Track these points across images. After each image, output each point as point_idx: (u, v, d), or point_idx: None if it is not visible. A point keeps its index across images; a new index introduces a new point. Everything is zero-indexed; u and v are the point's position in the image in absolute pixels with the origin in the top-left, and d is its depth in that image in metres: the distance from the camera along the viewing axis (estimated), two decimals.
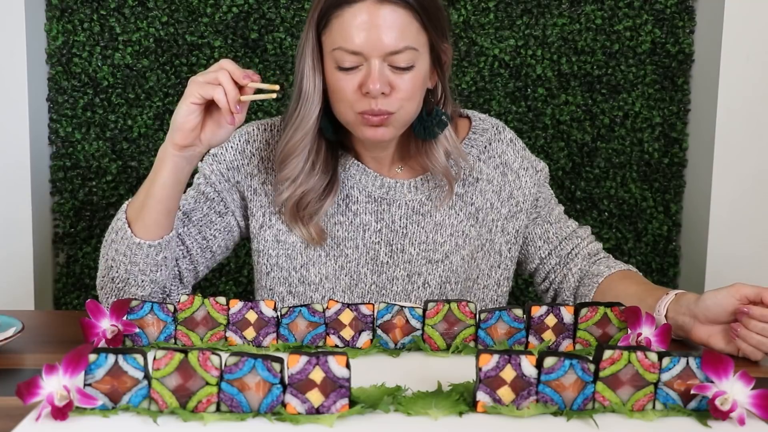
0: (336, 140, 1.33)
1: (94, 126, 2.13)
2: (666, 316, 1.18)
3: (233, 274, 2.18)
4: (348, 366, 0.85)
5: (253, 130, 1.37)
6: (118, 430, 0.83)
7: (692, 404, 0.89)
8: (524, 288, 2.20)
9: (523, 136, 2.13)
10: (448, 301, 1.10)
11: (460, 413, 0.87)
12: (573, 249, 1.42)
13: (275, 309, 1.10)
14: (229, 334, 1.10)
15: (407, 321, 1.10)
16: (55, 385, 0.84)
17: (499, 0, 2.12)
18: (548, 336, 1.10)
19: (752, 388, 0.87)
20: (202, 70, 1.19)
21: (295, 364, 0.85)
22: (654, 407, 0.89)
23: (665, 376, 0.88)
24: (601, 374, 0.88)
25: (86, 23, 2.09)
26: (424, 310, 1.10)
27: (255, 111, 2.10)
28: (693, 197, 2.15)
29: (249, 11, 2.11)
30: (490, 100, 2.14)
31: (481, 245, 1.39)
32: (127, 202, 1.25)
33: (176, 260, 1.31)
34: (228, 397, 0.85)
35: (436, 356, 1.09)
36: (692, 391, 0.88)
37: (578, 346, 1.11)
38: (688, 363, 0.88)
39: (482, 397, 0.87)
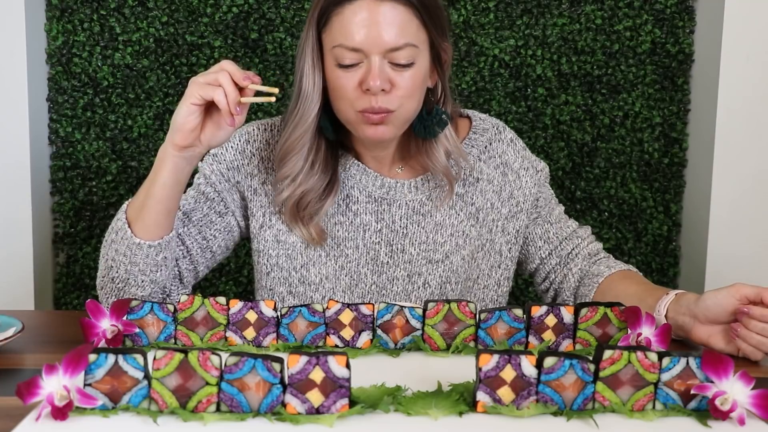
0: (336, 140, 1.33)
1: (94, 126, 2.13)
2: (666, 316, 1.18)
3: (233, 274, 2.18)
4: (348, 366, 0.85)
5: (254, 130, 1.37)
6: (118, 430, 0.83)
7: (692, 404, 0.89)
8: (524, 288, 2.20)
9: (523, 136, 2.13)
10: (448, 301, 1.10)
11: (460, 413, 0.87)
12: (573, 249, 1.42)
13: (275, 309, 1.10)
14: (229, 334, 1.10)
15: (407, 321, 1.10)
16: (55, 385, 0.84)
17: (499, 0, 2.12)
18: (548, 336, 1.10)
19: (752, 388, 0.87)
20: (202, 70, 1.19)
21: (295, 364, 0.85)
22: (654, 407, 0.89)
23: (665, 376, 0.88)
24: (601, 374, 0.88)
25: (86, 23, 2.09)
26: (424, 310, 1.10)
27: (255, 111, 2.10)
28: (693, 197, 2.15)
29: (249, 11, 2.11)
30: (490, 100, 2.14)
31: (481, 245, 1.39)
32: (127, 203, 1.26)
33: (176, 260, 1.31)
34: (228, 397, 0.85)
35: (436, 356, 1.09)
36: (692, 391, 0.88)
37: (578, 346, 1.10)
38: (688, 363, 0.88)
39: (482, 397, 0.87)
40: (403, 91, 1.22)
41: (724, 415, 0.86)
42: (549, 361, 0.87)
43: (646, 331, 1.07)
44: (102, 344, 1.06)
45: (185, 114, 1.17)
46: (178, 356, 0.85)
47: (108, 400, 0.86)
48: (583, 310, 1.10)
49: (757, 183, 2.04)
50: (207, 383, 0.85)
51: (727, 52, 2.00)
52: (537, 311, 1.09)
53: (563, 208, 1.47)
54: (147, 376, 0.86)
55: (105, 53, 2.10)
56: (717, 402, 0.86)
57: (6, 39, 2.00)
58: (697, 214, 2.12)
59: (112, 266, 1.24)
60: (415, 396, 0.90)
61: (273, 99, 1.16)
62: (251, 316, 1.10)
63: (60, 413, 0.83)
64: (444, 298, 1.36)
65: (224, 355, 0.92)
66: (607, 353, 0.88)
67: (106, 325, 1.07)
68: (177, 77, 2.12)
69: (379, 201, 1.35)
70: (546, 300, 1.46)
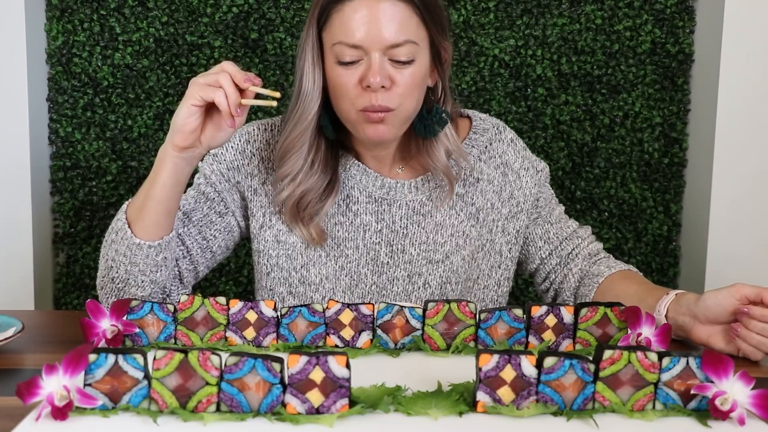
0: (336, 140, 1.33)
1: (94, 126, 2.13)
2: (666, 316, 1.18)
3: (233, 274, 2.18)
4: (348, 366, 0.85)
5: (254, 130, 1.37)
6: (118, 430, 0.83)
7: (692, 404, 0.89)
8: (524, 288, 2.20)
9: (523, 136, 2.13)
10: (448, 301, 1.10)
11: (460, 413, 0.87)
12: (573, 249, 1.42)
13: (275, 309, 1.10)
14: (229, 334, 1.10)
15: (407, 321, 1.10)
16: (55, 385, 0.84)
17: (499, 0, 2.12)
18: (548, 336, 1.10)
19: (752, 388, 0.87)
20: (203, 71, 1.20)
21: (295, 364, 0.85)
22: (654, 407, 0.89)
23: (665, 376, 0.88)
24: (601, 374, 0.88)
25: (86, 23, 2.09)
26: (424, 310, 1.10)
27: (255, 111, 2.10)
28: (693, 197, 2.15)
29: (249, 11, 2.11)
30: (490, 100, 2.14)
31: (481, 245, 1.39)
32: (127, 203, 1.26)
33: (176, 260, 1.31)
34: (228, 397, 0.85)
35: (436, 356, 1.09)
36: (692, 391, 0.88)
37: (578, 346, 1.10)
38: (688, 363, 0.88)
39: (482, 397, 0.87)
40: (403, 89, 1.22)
41: (724, 415, 0.86)
42: (549, 361, 0.87)
43: (646, 331, 1.07)
44: (102, 344, 1.06)
45: (185, 115, 1.17)
46: (178, 356, 0.85)
47: (108, 400, 0.86)
48: (583, 310, 1.10)
49: (757, 183, 2.04)
50: (207, 383, 0.85)
51: (727, 52, 2.00)
52: (537, 311, 1.09)
53: (563, 208, 1.47)
54: (147, 376, 0.86)
55: (105, 53, 2.10)
56: (717, 402, 0.86)
57: (6, 39, 2.00)
58: (697, 214, 2.12)
59: (112, 266, 1.24)
60: (415, 396, 0.90)
61: (274, 103, 1.16)
62: (251, 316, 1.10)
63: (60, 413, 0.83)
64: (444, 298, 1.36)
65: (224, 355, 0.92)
66: (607, 353, 0.88)
67: (106, 325, 1.07)
68: (177, 77, 2.12)
69: (379, 201, 1.35)
70: (546, 300, 1.46)
